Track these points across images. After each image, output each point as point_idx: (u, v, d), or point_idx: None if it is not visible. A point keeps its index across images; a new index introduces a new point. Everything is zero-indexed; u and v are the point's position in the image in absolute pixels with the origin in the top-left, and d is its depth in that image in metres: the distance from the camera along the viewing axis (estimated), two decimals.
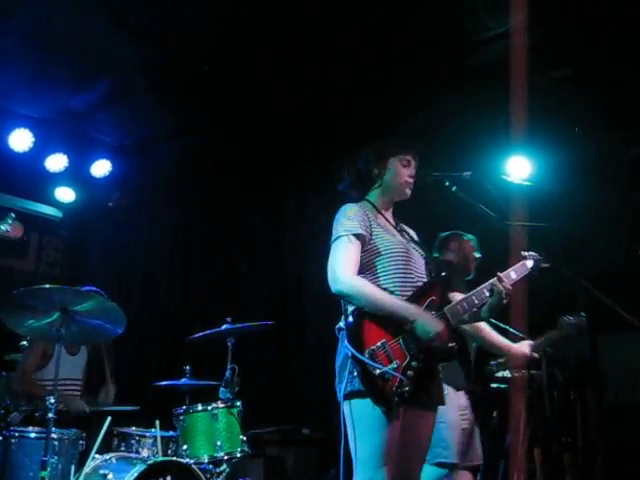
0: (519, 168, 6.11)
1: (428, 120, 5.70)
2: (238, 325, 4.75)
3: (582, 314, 4.33)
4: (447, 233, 4.39)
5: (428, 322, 2.85)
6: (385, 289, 2.95)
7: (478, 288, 3.08)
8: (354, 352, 2.76)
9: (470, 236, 4.35)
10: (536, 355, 4.21)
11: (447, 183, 3.13)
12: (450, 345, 2.91)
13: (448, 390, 3.55)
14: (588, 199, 5.92)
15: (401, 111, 5.69)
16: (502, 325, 4.39)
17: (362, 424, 2.80)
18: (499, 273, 3.09)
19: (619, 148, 5.97)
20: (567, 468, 5.07)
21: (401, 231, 3.23)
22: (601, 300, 2.83)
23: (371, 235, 3.01)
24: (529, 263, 3.28)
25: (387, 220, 3.19)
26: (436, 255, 4.22)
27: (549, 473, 4.91)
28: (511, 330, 4.45)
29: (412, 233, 3.32)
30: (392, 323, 2.85)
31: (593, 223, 6.04)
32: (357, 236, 2.96)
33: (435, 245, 4.33)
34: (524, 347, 4.04)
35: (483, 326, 3.62)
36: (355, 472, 2.82)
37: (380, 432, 2.76)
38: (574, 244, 5.63)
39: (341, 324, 2.96)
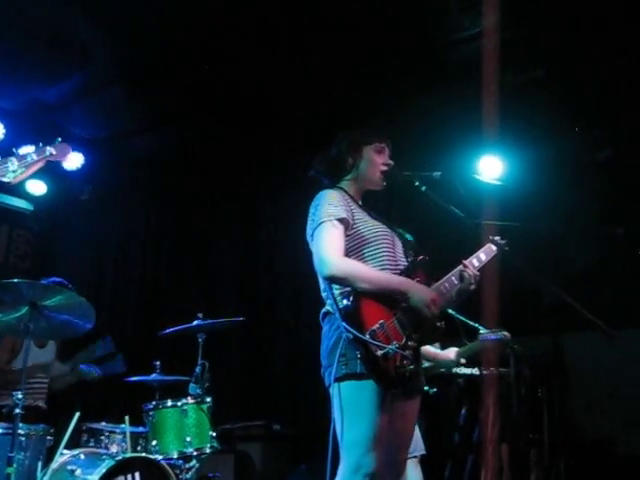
0: (491, 167, 6.17)
1: (400, 119, 5.73)
2: (209, 321, 4.74)
3: (505, 332, 4.39)
4: None
5: (423, 291, 2.87)
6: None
7: (448, 275, 3.12)
8: (356, 333, 2.72)
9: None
10: (462, 360, 4.34)
11: (417, 183, 3.13)
12: (438, 324, 2.94)
13: None
14: (559, 199, 5.99)
15: (373, 109, 5.71)
16: (473, 324, 4.47)
17: (352, 407, 2.77)
18: (464, 260, 3.15)
19: (590, 149, 6.04)
20: (533, 464, 5.14)
21: (376, 217, 3.23)
22: (567, 301, 2.86)
23: (354, 220, 3.00)
24: (492, 248, 3.34)
25: (362, 207, 3.18)
26: None
27: (516, 469, 4.98)
28: (481, 329, 4.53)
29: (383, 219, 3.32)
30: (387, 302, 2.84)
31: (564, 223, 6.12)
32: (341, 220, 2.94)
33: None
34: (450, 353, 4.30)
35: None
36: (342, 457, 2.77)
37: (370, 416, 2.74)
38: (544, 243, 5.70)
39: (328, 308, 2.94)
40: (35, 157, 3.16)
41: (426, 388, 4.37)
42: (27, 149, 3.17)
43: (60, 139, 3.27)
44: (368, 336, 2.73)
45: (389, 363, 2.73)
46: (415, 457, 4.04)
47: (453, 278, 3.11)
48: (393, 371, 2.74)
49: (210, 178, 7.12)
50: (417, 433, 4.06)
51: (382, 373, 2.73)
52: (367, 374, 2.73)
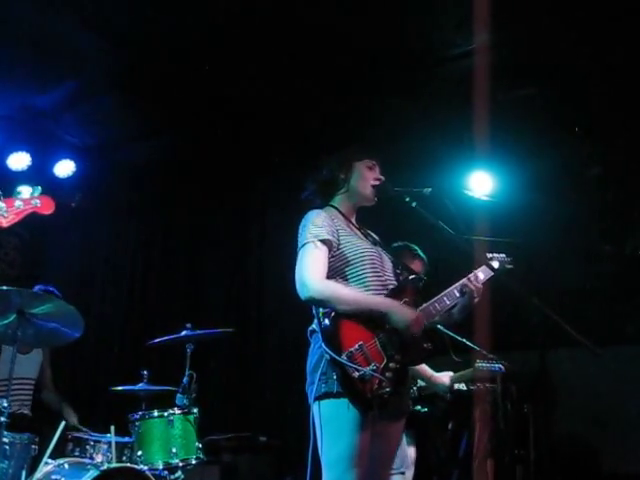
0: (481, 183, 6.19)
1: (391, 134, 5.75)
2: (198, 331, 4.73)
3: (501, 365, 4.41)
4: (398, 245, 4.34)
5: (403, 311, 2.87)
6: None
7: (449, 289, 3.14)
8: (332, 355, 2.72)
9: (421, 255, 4.29)
10: (455, 386, 4.37)
11: (407, 199, 3.14)
12: (425, 345, 2.94)
13: None
14: (548, 215, 6.02)
15: (365, 123, 5.73)
16: (467, 342, 4.49)
17: (332, 426, 2.77)
18: (469, 274, 3.17)
19: (581, 165, 6.08)
20: None
21: (366, 235, 3.24)
22: (553, 318, 2.88)
23: (339, 240, 2.99)
24: (495, 264, 3.37)
25: (353, 225, 3.19)
26: None
27: None
28: (474, 347, 4.55)
29: (376, 237, 3.32)
30: (368, 323, 2.84)
31: (552, 239, 6.15)
32: (323, 241, 2.93)
33: None
34: (444, 377, 4.33)
35: None
36: (323, 475, 2.78)
37: (350, 435, 2.74)
38: (533, 259, 5.72)
39: (314, 327, 2.94)
40: (23, 206, 3.22)
41: (418, 408, 4.39)
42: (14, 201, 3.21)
43: (41, 188, 3.32)
44: (345, 357, 2.73)
45: (365, 386, 2.73)
46: (402, 473, 4.04)
47: (455, 291, 3.13)
48: (369, 393, 2.73)
49: (200, 189, 7.13)
50: (405, 449, 4.07)
51: (358, 395, 2.73)
52: (344, 394, 2.74)
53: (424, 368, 4.21)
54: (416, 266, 4.19)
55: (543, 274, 5.83)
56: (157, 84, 5.66)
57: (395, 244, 4.31)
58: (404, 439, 4.12)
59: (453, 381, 4.38)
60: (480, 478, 4.91)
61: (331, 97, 5.59)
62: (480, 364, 4.37)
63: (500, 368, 4.41)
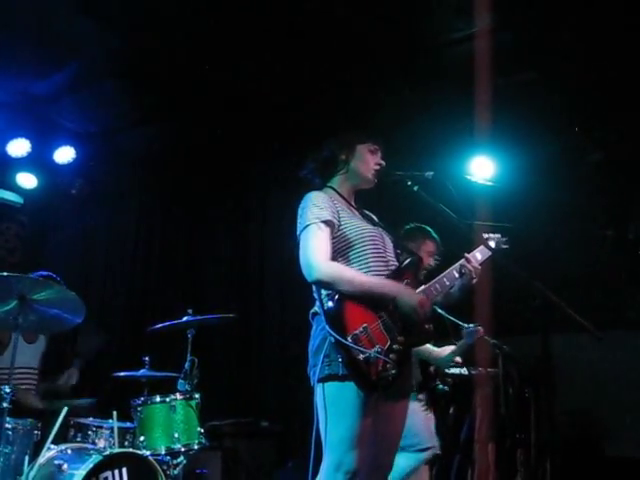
0: (483, 168, 6.18)
1: (393, 118, 5.73)
2: (199, 317, 4.74)
3: (477, 324, 4.39)
4: (411, 227, 4.31)
5: (409, 294, 2.89)
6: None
7: (448, 270, 3.18)
8: (338, 337, 2.73)
9: (434, 236, 4.26)
10: (458, 359, 4.37)
11: (409, 183, 3.14)
12: (427, 327, 2.96)
13: None
14: (550, 200, 6.02)
15: (366, 109, 5.71)
16: (463, 324, 4.48)
17: (335, 407, 2.79)
18: (466, 254, 3.20)
19: (582, 151, 6.07)
20: (520, 464, 5.16)
21: (366, 216, 3.25)
22: (554, 301, 2.88)
23: (339, 221, 2.99)
24: (491, 244, 3.38)
25: (352, 206, 3.19)
26: None
27: (502, 469, 5.00)
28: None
29: (375, 218, 3.32)
30: (371, 305, 2.85)
31: (554, 224, 6.15)
32: (326, 222, 2.93)
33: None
34: (446, 351, 4.29)
35: None
36: (325, 455, 2.81)
37: (353, 416, 2.76)
38: (535, 244, 5.72)
39: (316, 309, 2.94)
40: None
41: (439, 386, 4.39)
42: None
43: None
44: (350, 340, 2.74)
45: (371, 368, 2.75)
46: (428, 448, 4.07)
47: (454, 272, 3.16)
48: (375, 375, 2.75)
49: (202, 172, 7.11)
50: (431, 427, 4.12)
51: (363, 377, 2.75)
52: (349, 376, 2.75)
53: (424, 346, 4.16)
54: (429, 247, 4.20)
55: (544, 259, 5.83)
56: (157, 69, 5.63)
57: (407, 226, 4.30)
58: (429, 415, 4.21)
59: (455, 354, 4.35)
60: (482, 462, 4.94)
61: (332, 82, 5.56)
62: (465, 327, 4.33)
63: (476, 327, 4.35)
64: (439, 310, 3.97)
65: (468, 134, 5.46)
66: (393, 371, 2.78)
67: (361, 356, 2.73)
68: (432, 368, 4.42)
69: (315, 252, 2.88)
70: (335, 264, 2.91)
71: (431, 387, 4.26)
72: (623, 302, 5.93)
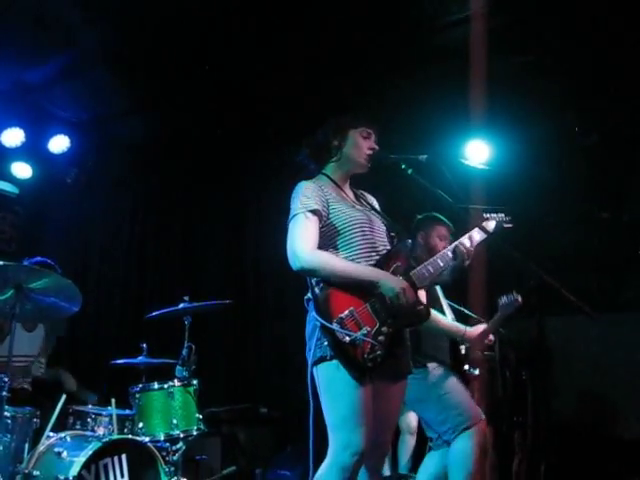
0: (478, 152, 6.19)
1: (387, 102, 5.72)
2: (196, 304, 4.75)
3: (515, 293, 4.33)
4: (421, 217, 4.30)
5: (391, 280, 2.90)
6: (351, 261, 2.99)
7: (442, 251, 3.19)
8: (323, 322, 2.80)
9: (443, 220, 4.21)
10: (491, 337, 4.32)
11: (403, 166, 3.14)
12: (418, 308, 2.98)
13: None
14: (545, 183, 6.03)
15: (361, 92, 5.70)
16: (461, 308, 4.49)
17: (333, 388, 2.83)
18: (462, 237, 3.22)
19: (577, 134, 6.07)
20: (517, 446, 5.20)
21: (360, 200, 3.27)
22: (550, 283, 2.89)
23: (328, 209, 3.03)
24: (491, 224, 3.38)
25: (344, 192, 3.21)
26: None
27: (500, 451, 5.03)
28: (470, 313, 4.55)
29: (372, 200, 3.35)
30: (359, 291, 2.89)
31: (549, 206, 6.16)
32: (313, 212, 2.98)
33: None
34: (478, 329, 4.18)
35: (434, 314, 3.75)
36: (330, 438, 2.83)
37: (352, 394, 2.79)
38: (530, 226, 5.73)
39: (309, 295, 2.98)
40: None
41: (466, 368, 4.33)
42: None
43: None
44: (335, 324, 2.80)
45: (357, 350, 2.80)
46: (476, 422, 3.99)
47: (448, 253, 3.17)
48: (360, 358, 2.79)
49: (196, 161, 7.10)
50: (472, 401, 4.04)
51: (350, 359, 2.79)
52: (336, 357, 2.80)
53: (452, 324, 4.08)
54: (440, 231, 4.19)
55: (539, 241, 5.85)
56: (151, 57, 5.60)
57: (419, 216, 4.30)
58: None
59: (493, 327, 4.25)
60: None
61: (326, 68, 5.54)
62: (501, 299, 4.26)
63: (516, 294, 4.28)
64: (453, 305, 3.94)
65: (463, 118, 5.45)
66: (379, 352, 2.81)
67: (347, 338, 2.78)
68: (463, 348, 4.38)
69: (300, 241, 2.94)
70: (319, 252, 2.95)
71: (462, 371, 4.17)
72: (618, 284, 5.95)
